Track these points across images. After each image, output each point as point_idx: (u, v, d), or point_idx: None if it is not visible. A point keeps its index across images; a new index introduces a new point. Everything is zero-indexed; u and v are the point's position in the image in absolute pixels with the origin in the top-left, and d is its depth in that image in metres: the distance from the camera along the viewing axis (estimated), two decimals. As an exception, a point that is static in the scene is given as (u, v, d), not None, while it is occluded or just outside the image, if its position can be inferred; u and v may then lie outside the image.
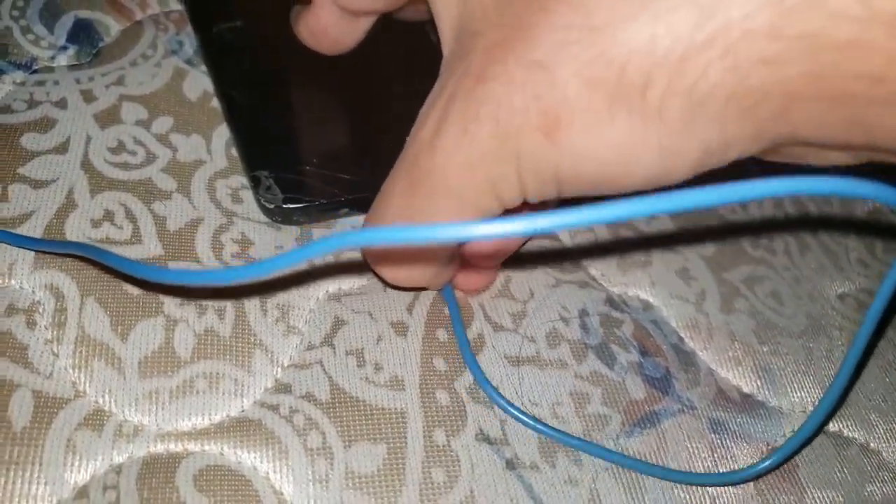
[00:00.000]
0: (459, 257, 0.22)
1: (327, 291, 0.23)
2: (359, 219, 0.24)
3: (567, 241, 0.26)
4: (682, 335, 0.25)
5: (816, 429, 0.19)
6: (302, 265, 0.23)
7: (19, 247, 0.21)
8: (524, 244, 0.24)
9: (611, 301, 0.24)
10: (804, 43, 0.14)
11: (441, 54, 0.19)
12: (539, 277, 0.24)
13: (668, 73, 0.15)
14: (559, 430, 0.21)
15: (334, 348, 0.21)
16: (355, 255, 0.23)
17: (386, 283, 0.22)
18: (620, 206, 0.14)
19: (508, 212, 0.18)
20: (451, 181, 0.18)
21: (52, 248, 0.21)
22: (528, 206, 0.19)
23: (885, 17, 0.13)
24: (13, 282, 0.20)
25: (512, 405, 0.21)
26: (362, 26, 0.24)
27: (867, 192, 0.14)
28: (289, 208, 0.23)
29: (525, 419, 0.21)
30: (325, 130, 0.25)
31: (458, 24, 0.18)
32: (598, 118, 0.15)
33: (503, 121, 0.16)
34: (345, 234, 0.15)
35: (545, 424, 0.21)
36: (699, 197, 0.14)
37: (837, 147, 0.16)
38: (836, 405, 0.22)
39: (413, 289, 0.23)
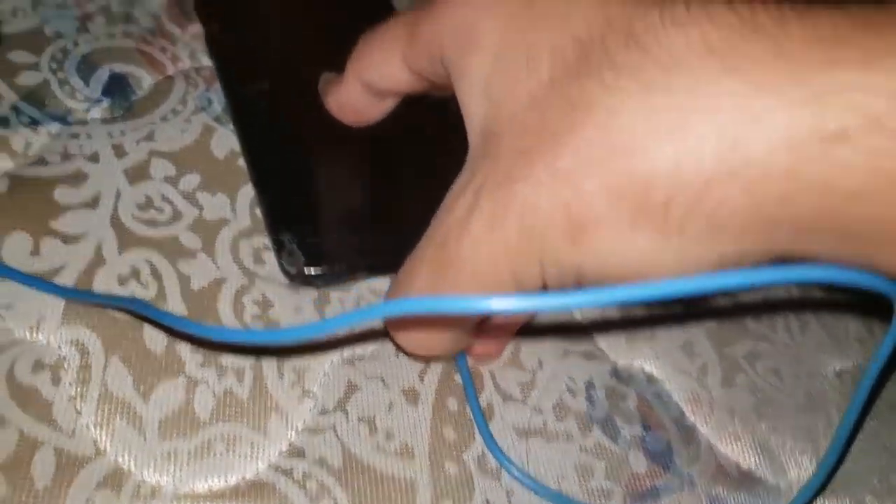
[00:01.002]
0: (475, 326, 0.23)
1: (342, 355, 0.23)
2: (373, 282, 0.25)
3: (576, 312, 0.27)
4: (684, 409, 0.25)
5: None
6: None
7: (65, 298, 0.21)
8: (536, 314, 0.25)
9: (616, 373, 0.25)
10: (817, 186, 0.15)
11: (460, 131, 0.20)
12: (548, 347, 0.25)
13: (690, 197, 0.16)
14: (569, 499, 0.22)
15: (347, 414, 0.22)
16: (370, 320, 0.24)
17: (403, 351, 0.23)
18: (632, 290, 0.15)
19: None
20: (476, 268, 0.18)
21: (98, 300, 0.21)
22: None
23: (888, 173, 0.14)
24: (41, 336, 0.21)
25: (526, 475, 0.22)
26: (388, 104, 0.25)
27: (865, 282, 0.16)
28: (310, 274, 0.24)
29: (537, 487, 0.22)
30: (347, 195, 0.26)
31: (486, 122, 0.19)
32: (621, 229, 0.16)
33: (529, 221, 0.17)
34: (384, 305, 0.16)
35: (559, 494, 0.21)
36: (709, 282, 0.15)
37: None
38: (825, 482, 0.23)
39: (428, 357, 0.24)
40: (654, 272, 0.17)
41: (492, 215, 0.18)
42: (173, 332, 0.22)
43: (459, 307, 0.16)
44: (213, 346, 0.22)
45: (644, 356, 0.26)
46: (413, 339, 0.21)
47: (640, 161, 0.16)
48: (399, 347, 0.23)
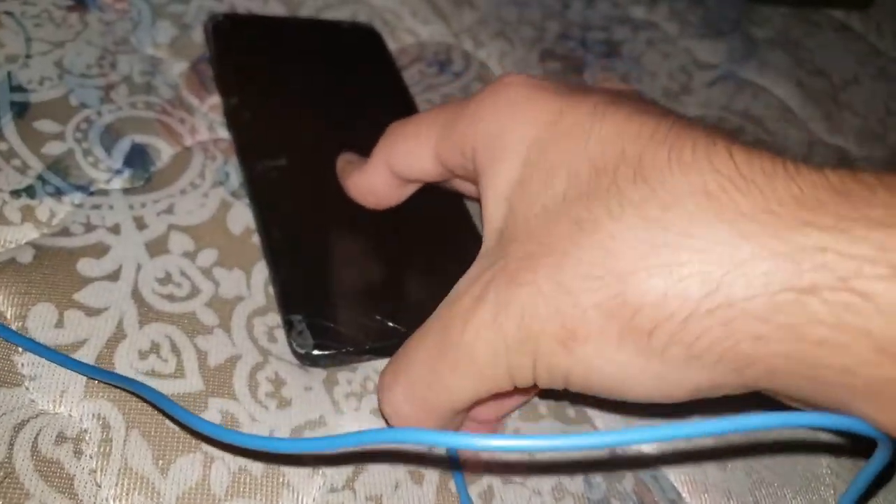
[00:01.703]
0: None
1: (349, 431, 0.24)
2: (380, 364, 0.26)
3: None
4: (680, 491, 0.26)
5: None
6: (328, 405, 0.24)
7: (85, 375, 0.22)
8: (524, 403, 0.26)
9: (613, 454, 0.26)
10: (787, 332, 0.16)
11: (466, 220, 0.23)
12: (547, 428, 0.26)
13: (672, 327, 0.17)
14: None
15: (355, 493, 0.23)
16: (376, 406, 0.25)
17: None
18: (624, 434, 0.16)
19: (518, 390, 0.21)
20: (476, 357, 0.20)
21: (113, 380, 0.22)
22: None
23: (851, 329, 0.16)
24: (63, 409, 0.22)
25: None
26: (408, 191, 0.26)
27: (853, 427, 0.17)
28: (317, 355, 0.25)
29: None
30: (357, 277, 0.27)
31: (502, 224, 0.21)
32: (608, 343, 0.18)
33: (527, 322, 0.19)
34: (388, 432, 0.17)
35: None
36: (695, 428, 0.17)
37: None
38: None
39: None
40: (633, 388, 0.19)
41: (495, 310, 0.19)
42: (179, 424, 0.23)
43: (451, 442, 0.17)
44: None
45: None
46: (405, 422, 0.22)
47: (633, 288, 0.17)
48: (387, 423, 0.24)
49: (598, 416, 0.27)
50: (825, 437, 0.29)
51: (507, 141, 0.21)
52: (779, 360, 0.17)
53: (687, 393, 0.19)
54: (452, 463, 0.24)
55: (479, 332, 0.20)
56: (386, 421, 0.23)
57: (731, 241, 0.17)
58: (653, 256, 0.17)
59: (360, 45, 0.35)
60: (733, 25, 0.47)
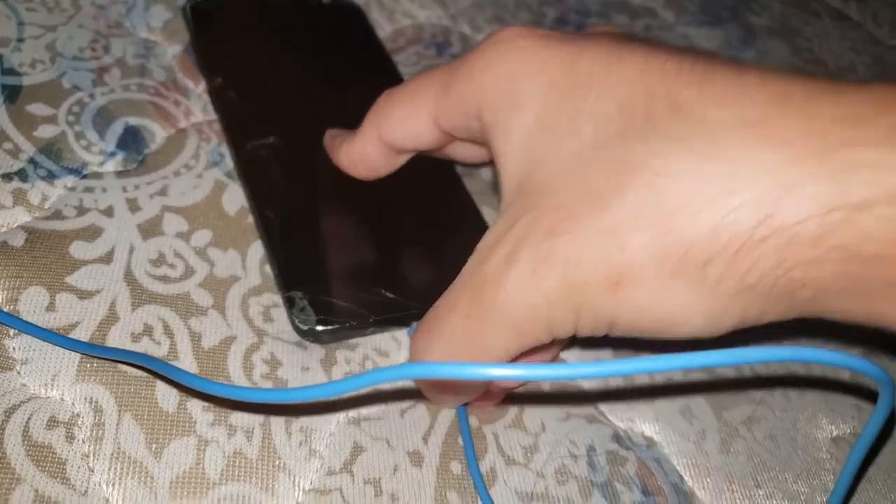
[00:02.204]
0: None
1: (347, 415, 0.24)
2: (379, 341, 0.26)
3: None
4: (683, 474, 0.26)
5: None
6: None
7: (83, 353, 0.22)
8: (558, 353, 0.26)
9: (617, 437, 0.26)
10: (839, 252, 0.16)
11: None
12: (551, 411, 0.26)
13: (726, 259, 0.17)
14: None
15: (353, 476, 0.22)
16: (378, 388, 0.25)
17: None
18: (640, 363, 0.16)
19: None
20: (512, 314, 0.19)
21: (114, 356, 0.22)
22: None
23: None
24: (55, 393, 0.21)
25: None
26: (402, 160, 0.26)
27: (853, 365, 0.16)
28: (321, 330, 0.24)
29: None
30: (355, 250, 0.27)
31: (524, 178, 0.20)
32: (661, 284, 0.18)
33: (571, 271, 0.18)
34: (413, 366, 0.16)
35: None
36: (704, 359, 0.16)
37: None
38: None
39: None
40: (682, 326, 0.19)
41: (532, 266, 0.19)
42: (185, 389, 0.22)
43: (477, 373, 0.16)
44: (223, 404, 0.22)
45: (644, 419, 0.27)
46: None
47: (685, 223, 0.17)
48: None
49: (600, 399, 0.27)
50: (827, 420, 0.29)
51: (520, 91, 0.21)
52: (830, 280, 0.17)
53: (734, 324, 0.18)
54: (465, 441, 0.23)
55: (516, 291, 0.19)
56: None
57: (779, 168, 0.16)
58: (701, 190, 0.17)
59: (344, 21, 0.35)
60: (731, 13, 0.47)
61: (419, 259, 0.27)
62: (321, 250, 0.26)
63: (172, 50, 0.32)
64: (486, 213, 0.30)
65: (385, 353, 0.26)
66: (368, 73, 0.33)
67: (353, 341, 0.26)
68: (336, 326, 0.25)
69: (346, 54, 0.33)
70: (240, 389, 0.18)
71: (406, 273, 0.27)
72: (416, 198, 0.29)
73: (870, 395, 0.30)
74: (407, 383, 0.25)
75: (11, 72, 0.28)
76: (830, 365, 0.16)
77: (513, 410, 0.25)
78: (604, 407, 0.26)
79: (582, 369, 0.16)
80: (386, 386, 0.25)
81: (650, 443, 0.26)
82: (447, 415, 0.24)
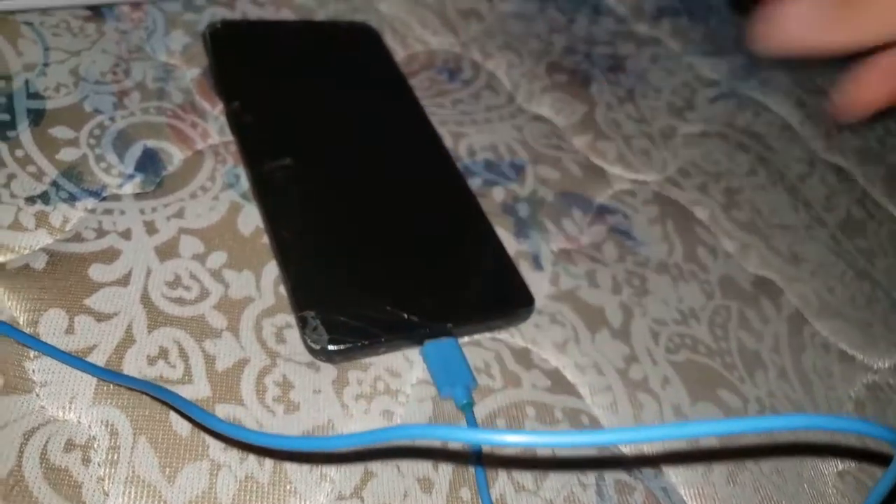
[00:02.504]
0: None
1: (359, 439, 0.24)
2: (391, 362, 0.26)
3: (588, 399, 0.27)
4: (687, 504, 0.26)
5: None
6: (336, 408, 0.24)
7: (102, 378, 0.22)
8: None
9: (625, 465, 0.26)
10: None
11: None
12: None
13: None
14: None
15: (363, 501, 0.23)
16: (389, 409, 0.25)
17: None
18: (655, 430, 0.16)
19: None
20: None
21: (132, 384, 0.22)
22: None
23: None
24: (72, 415, 0.22)
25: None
26: None
27: (865, 430, 0.17)
28: (333, 349, 0.25)
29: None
30: (368, 269, 0.27)
31: None
32: None
33: None
34: (403, 429, 0.17)
35: None
36: (719, 427, 0.16)
37: None
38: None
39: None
40: None
41: None
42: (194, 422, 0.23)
43: (466, 438, 0.16)
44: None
45: (653, 449, 0.27)
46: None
47: None
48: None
49: (610, 426, 0.27)
50: (832, 454, 0.29)
51: None
52: None
53: None
54: (474, 456, 0.24)
55: None
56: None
57: None
58: None
59: (359, 43, 0.35)
60: (735, 43, 0.48)
61: (431, 278, 0.28)
62: (334, 270, 0.27)
63: (191, 73, 0.32)
64: (500, 233, 0.31)
65: (397, 373, 0.26)
66: (384, 94, 0.34)
67: (365, 361, 0.26)
68: (348, 346, 0.25)
69: (361, 76, 0.34)
70: (255, 434, 0.19)
71: (418, 292, 0.27)
72: (429, 217, 0.29)
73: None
74: (416, 414, 0.25)
75: (36, 95, 0.28)
76: (845, 431, 0.16)
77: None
78: (610, 435, 0.27)
79: (584, 437, 0.16)
80: (399, 409, 0.25)
81: (658, 472, 0.26)
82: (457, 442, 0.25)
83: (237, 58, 0.32)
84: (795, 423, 0.16)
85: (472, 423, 0.25)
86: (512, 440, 0.16)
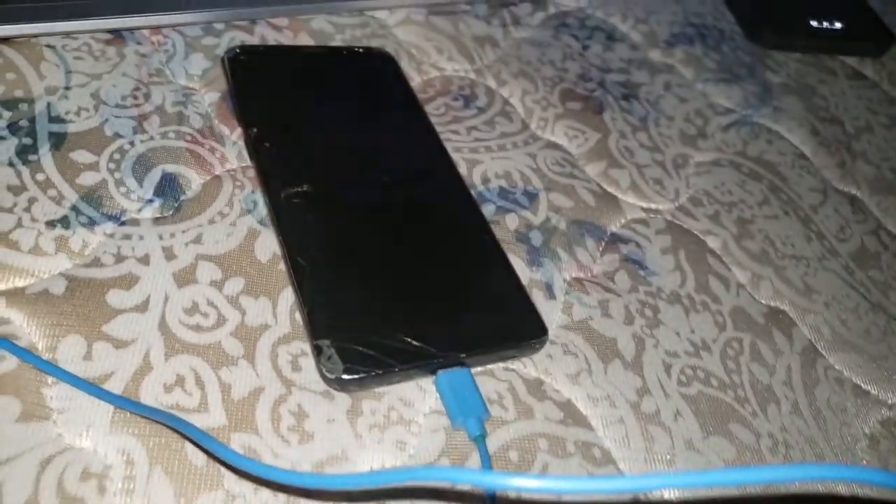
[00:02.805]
0: None
1: (370, 467, 0.24)
2: (404, 392, 0.26)
3: (601, 432, 0.27)
4: (698, 540, 0.26)
5: None
6: (350, 438, 0.25)
7: (119, 407, 0.22)
8: None
9: (636, 501, 0.26)
10: None
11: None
12: (574, 466, 0.26)
13: None
14: None
15: (377, 533, 0.23)
16: (402, 440, 0.25)
17: None
18: (653, 479, 0.16)
19: None
20: None
21: (150, 414, 0.22)
22: None
23: None
24: (88, 443, 0.22)
25: None
26: None
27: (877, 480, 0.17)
28: (347, 379, 0.25)
29: None
30: (383, 298, 0.27)
31: None
32: None
33: None
34: (422, 471, 0.17)
35: None
36: (743, 475, 0.16)
37: None
38: None
39: None
40: None
41: None
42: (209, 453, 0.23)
43: (484, 482, 0.16)
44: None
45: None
46: None
47: None
48: None
49: (622, 459, 0.27)
50: (848, 491, 0.29)
51: None
52: None
53: None
54: (489, 498, 0.24)
55: None
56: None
57: None
58: None
59: (376, 69, 0.36)
60: (748, 70, 0.48)
61: (445, 307, 0.28)
62: (349, 298, 0.27)
63: (210, 97, 0.32)
64: (514, 261, 0.31)
65: (410, 403, 0.26)
66: (401, 121, 0.34)
67: (378, 390, 0.26)
68: (362, 376, 0.25)
69: (379, 102, 0.34)
70: (270, 469, 0.19)
71: (432, 321, 0.27)
72: (444, 246, 0.30)
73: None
74: (429, 443, 0.25)
75: (58, 119, 0.29)
76: (871, 483, 0.16)
77: (538, 465, 0.26)
78: (624, 467, 0.27)
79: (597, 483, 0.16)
80: (412, 440, 0.25)
81: (667, 507, 0.26)
82: (470, 466, 0.25)
83: (256, 83, 0.32)
84: (813, 473, 0.16)
85: (484, 455, 0.25)
86: (534, 485, 0.16)
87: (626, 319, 0.31)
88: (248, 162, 0.31)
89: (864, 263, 0.38)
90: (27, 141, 0.28)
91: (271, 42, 0.36)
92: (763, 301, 0.35)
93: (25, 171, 0.27)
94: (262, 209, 0.29)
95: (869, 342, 0.35)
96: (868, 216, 0.41)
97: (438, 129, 0.35)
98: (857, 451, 0.31)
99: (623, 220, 0.35)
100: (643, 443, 0.28)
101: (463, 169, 0.34)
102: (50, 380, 0.23)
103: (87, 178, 0.28)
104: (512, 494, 0.25)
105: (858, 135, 0.47)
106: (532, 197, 0.34)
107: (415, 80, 0.38)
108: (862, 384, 0.33)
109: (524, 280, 0.31)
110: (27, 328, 0.23)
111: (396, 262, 0.29)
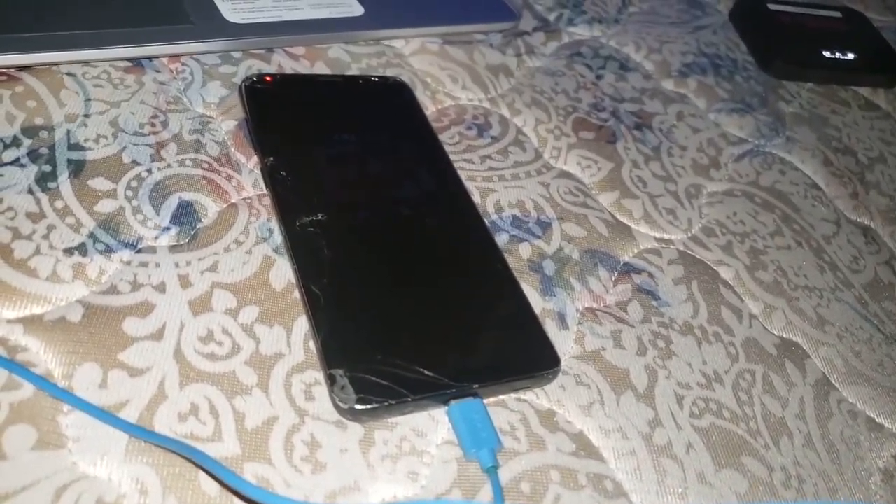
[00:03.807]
0: None
1: (383, 500, 0.24)
2: (416, 422, 0.26)
3: (611, 461, 0.27)
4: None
5: None
6: (363, 469, 0.24)
7: (135, 437, 0.22)
8: None
9: (646, 535, 0.26)
10: None
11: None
12: (585, 499, 0.26)
13: None
14: None
15: (389, 566, 0.23)
16: (414, 471, 0.25)
17: None
18: None
19: None
20: None
21: (165, 444, 0.22)
22: None
23: None
24: (103, 472, 0.22)
25: None
26: None
27: None
28: (360, 409, 0.25)
29: None
30: (396, 328, 0.27)
31: None
32: None
33: None
34: None
35: None
36: None
37: None
38: None
39: None
40: None
41: None
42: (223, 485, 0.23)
43: None
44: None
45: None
46: None
47: None
48: None
49: (634, 492, 0.27)
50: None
51: None
52: None
53: None
54: None
55: None
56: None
57: None
58: None
59: (392, 98, 0.36)
60: (761, 100, 0.48)
61: (458, 337, 0.28)
62: (363, 327, 0.27)
63: (227, 125, 0.33)
64: (527, 290, 0.31)
65: (422, 433, 0.26)
66: (416, 150, 0.34)
67: (391, 420, 0.26)
68: (375, 406, 0.25)
69: (394, 131, 0.34)
70: (283, 500, 0.19)
71: (445, 351, 0.27)
72: (458, 275, 0.30)
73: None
74: (441, 484, 0.25)
75: (77, 146, 0.29)
76: None
77: (550, 497, 0.25)
78: (635, 499, 0.27)
79: None
80: (424, 470, 0.25)
81: (681, 543, 0.26)
82: (482, 499, 0.25)
83: (272, 111, 0.33)
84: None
85: (496, 487, 0.25)
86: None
87: (638, 350, 0.31)
88: (263, 189, 0.31)
89: (877, 295, 0.38)
90: (46, 168, 0.28)
91: (288, 70, 0.36)
92: (776, 332, 0.34)
93: (44, 199, 0.27)
94: (278, 238, 0.30)
95: (883, 375, 0.34)
96: (882, 247, 0.41)
97: (452, 157, 0.35)
98: (870, 485, 0.30)
99: (636, 250, 0.35)
100: (655, 475, 0.28)
101: (476, 197, 0.34)
102: (65, 408, 0.23)
103: (105, 206, 0.28)
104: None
105: (872, 165, 0.47)
106: (545, 226, 0.35)
107: (429, 109, 0.38)
108: (876, 417, 0.33)
109: (537, 309, 0.31)
110: (44, 355, 0.24)
111: (410, 292, 0.29)
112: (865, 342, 0.36)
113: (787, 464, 0.30)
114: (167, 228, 0.28)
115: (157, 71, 0.33)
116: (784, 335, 0.35)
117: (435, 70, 0.40)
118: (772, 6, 0.54)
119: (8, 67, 0.31)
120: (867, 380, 0.34)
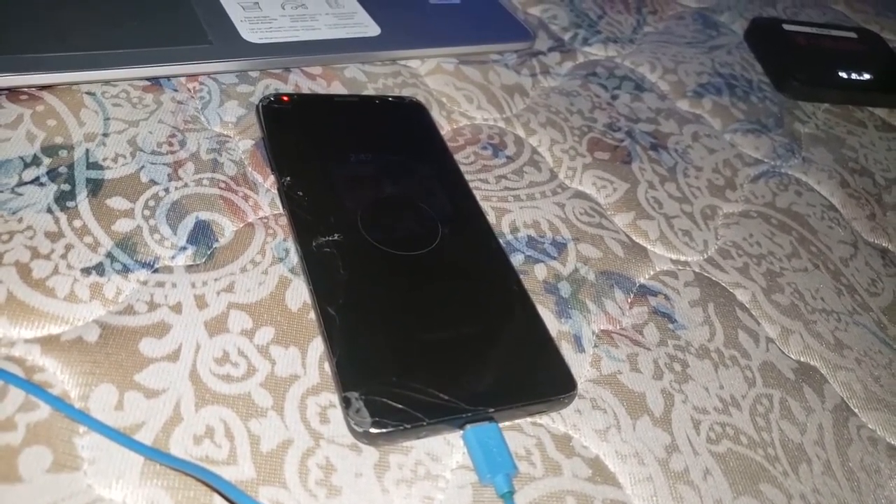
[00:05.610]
0: None
1: (399, 527, 0.24)
2: (431, 446, 0.26)
3: (627, 487, 0.27)
4: None
5: None
6: (377, 493, 0.24)
7: (151, 459, 0.22)
8: None
9: (664, 564, 0.25)
10: None
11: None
12: (598, 533, 0.25)
13: None
14: None
15: None
16: (430, 496, 0.25)
17: None
18: None
19: None
20: None
21: (183, 468, 0.22)
22: None
23: None
24: (118, 495, 0.22)
25: None
26: None
27: None
28: (375, 433, 0.25)
29: None
30: (412, 351, 0.27)
31: None
32: None
33: None
34: None
35: None
36: None
37: None
38: None
39: None
40: None
41: None
42: None
43: None
44: (279, 513, 0.23)
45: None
46: None
47: None
48: None
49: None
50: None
51: None
52: None
53: None
54: None
55: None
56: None
57: None
58: None
59: (408, 118, 0.36)
60: (777, 121, 0.48)
61: (474, 360, 0.28)
62: (379, 350, 0.27)
63: (244, 145, 0.33)
64: (542, 312, 0.31)
65: (437, 457, 0.26)
66: (432, 171, 0.34)
67: (406, 444, 0.26)
68: (390, 430, 0.25)
69: (410, 151, 0.35)
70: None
71: (461, 374, 0.27)
72: (473, 297, 0.30)
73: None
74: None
75: (96, 165, 0.29)
76: None
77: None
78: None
79: None
80: (439, 495, 0.25)
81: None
82: (497, 533, 0.24)
83: (289, 131, 0.33)
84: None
85: (512, 514, 0.24)
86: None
87: (654, 374, 0.31)
88: (280, 209, 0.31)
89: (896, 319, 0.38)
90: (65, 187, 0.28)
91: (305, 90, 0.36)
92: (793, 356, 0.34)
93: (63, 218, 0.27)
94: (294, 258, 0.30)
95: (903, 401, 0.34)
96: (899, 270, 0.41)
97: (468, 177, 0.35)
98: (892, 515, 0.30)
99: (652, 272, 0.35)
100: (672, 502, 0.27)
101: (492, 218, 0.34)
102: (81, 429, 0.23)
103: (123, 225, 0.28)
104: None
105: (889, 186, 0.46)
106: (560, 247, 0.34)
107: (445, 129, 0.38)
108: (896, 445, 0.32)
109: (553, 332, 0.31)
110: (60, 376, 0.24)
111: (426, 314, 0.29)
112: (885, 367, 0.35)
113: (807, 491, 0.29)
114: (184, 248, 0.28)
115: (176, 90, 0.33)
116: (801, 359, 0.34)
117: (450, 90, 0.40)
118: (787, 27, 0.54)
119: (29, 87, 0.31)
120: (887, 405, 0.34)
